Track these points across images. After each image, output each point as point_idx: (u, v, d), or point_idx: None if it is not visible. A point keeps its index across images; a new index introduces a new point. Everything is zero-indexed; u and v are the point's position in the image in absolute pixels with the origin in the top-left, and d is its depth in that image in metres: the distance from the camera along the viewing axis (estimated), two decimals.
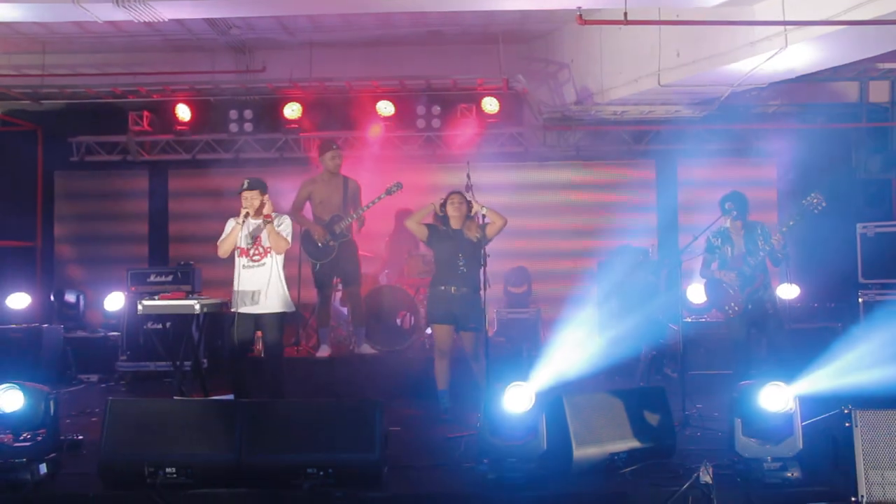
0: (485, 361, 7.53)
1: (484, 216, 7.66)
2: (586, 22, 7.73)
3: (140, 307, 7.87)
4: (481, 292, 7.58)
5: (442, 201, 7.80)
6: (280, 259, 7.69)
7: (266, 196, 7.67)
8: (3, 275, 11.60)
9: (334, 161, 9.44)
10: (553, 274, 11.72)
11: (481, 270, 7.54)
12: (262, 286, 7.60)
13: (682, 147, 12.15)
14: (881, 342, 6.45)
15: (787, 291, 10.33)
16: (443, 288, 7.73)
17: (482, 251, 7.57)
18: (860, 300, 9.70)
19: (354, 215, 9.24)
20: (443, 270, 7.82)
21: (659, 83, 9.85)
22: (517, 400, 5.59)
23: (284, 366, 8.01)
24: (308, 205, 9.46)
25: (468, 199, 7.77)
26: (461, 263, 7.66)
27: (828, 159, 11.24)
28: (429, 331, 9.07)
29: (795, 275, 10.32)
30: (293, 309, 7.97)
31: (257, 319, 7.67)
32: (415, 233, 8.00)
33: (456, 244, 7.73)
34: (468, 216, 7.77)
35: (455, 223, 7.79)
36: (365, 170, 10.68)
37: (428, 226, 7.85)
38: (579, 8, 7.66)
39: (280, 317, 7.74)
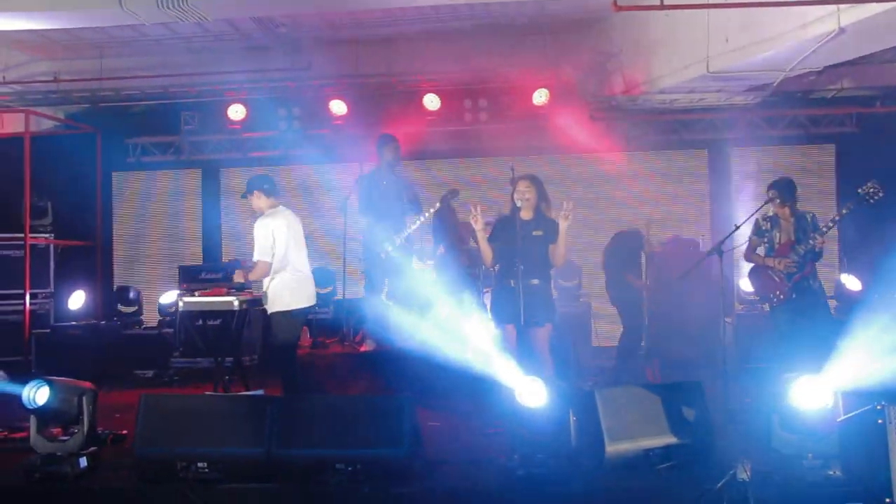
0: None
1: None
2: (621, 8, 7.51)
3: (181, 304, 7.91)
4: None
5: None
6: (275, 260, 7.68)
7: (251, 196, 7.79)
8: (65, 273, 11.73)
9: (395, 154, 9.36)
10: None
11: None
12: (266, 287, 7.72)
13: (734, 135, 11.94)
14: None
15: (850, 282, 10.04)
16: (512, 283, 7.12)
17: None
18: None
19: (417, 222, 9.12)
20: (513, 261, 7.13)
21: (708, 70, 9.63)
22: (537, 396, 5.47)
23: (290, 363, 7.88)
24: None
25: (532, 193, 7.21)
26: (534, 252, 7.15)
27: (890, 145, 10.85)
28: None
29: (855, 266, 10.02)
30: (289, 308, 7.73)
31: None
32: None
33: (523, 236, 7.10)
34: (538, 203, 7.26)
35: (525, 213, 7.24)
36: (412, 165, 10.62)
37: (489, 239, 7.47)
38: None
39: (275, 317, 7.71)
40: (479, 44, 11.43)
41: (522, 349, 7.13)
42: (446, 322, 8.60)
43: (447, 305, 8.90)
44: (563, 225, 7.07)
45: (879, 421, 4.05)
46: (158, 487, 5.67)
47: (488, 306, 8.26)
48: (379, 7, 9.90)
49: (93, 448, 5.92)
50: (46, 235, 11.43)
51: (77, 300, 11.52)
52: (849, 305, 9.32)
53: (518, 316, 6.98)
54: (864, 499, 4.31)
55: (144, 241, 13.16)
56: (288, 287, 7.71)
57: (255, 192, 7.74)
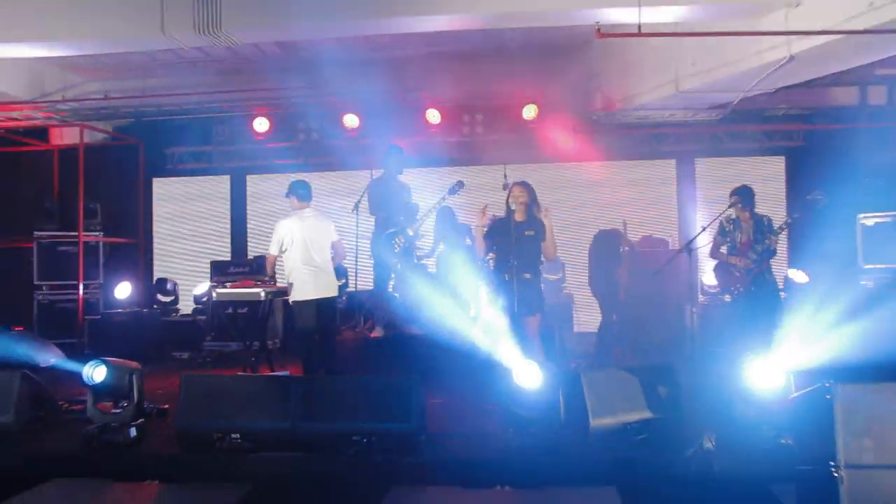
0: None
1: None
2: (604, 35, 7.53)
3: (215, 294, 7.95)
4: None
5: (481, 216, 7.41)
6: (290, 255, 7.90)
7: (289, 197, 8.12)
8: (112, 267, 11.80)
9: (400, 162, 9.41)
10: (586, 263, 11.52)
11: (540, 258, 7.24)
12: (288, 279, 7.98)
13: (699, 147, 11.97)
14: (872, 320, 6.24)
15: (798, 276, 10.07)
16: (506, 277, 7.14)
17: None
18: (862, 283, 9.38)
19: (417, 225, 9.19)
20: (508, 257, 7.15)
21: (677, 89, 9.67)
22: (532, 378, 5.51)
23: (303, 347, 8.09)
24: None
25: (525, 197, 7.22)
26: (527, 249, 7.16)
27: (832, 157, 10.91)
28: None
29: (803, 261, 10.07)
30: (305, 298, 7.92)
31: None
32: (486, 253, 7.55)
33: (516, 236, 7.13)
34: (530, 206, 7.24)
35: (518, 215, 7.20)
36: (416, 172, 10.64)
37: (485, 236, 7.49)
38: (597, 23, 7.47)
39: (295, 305, 7.99)
40: (477, 65, 11.43)
41: (515, 336, 7.17)
42: (449, 311, 8.63)
43: (449, 296, 8.95)
44: (546, 222, 7.13)
45: (828, 397, 4.09)
46: (197, 455, 5.72)
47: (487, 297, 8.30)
48: (387, 32, 9.91)
49: (140, 420, 5.98)
50: (97, 234, 11.51)
51: (123, 290, 11.56)
52: (796, 296, 9.37)
53: (512, 306, 7.03)
54: (811, 463, 4.35)
55: (180, 238, 13.20)
56: (304, 280, 7.80)
57: (290, 195, 8.07)
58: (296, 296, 7.85)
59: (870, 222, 9.52)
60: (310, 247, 7.86)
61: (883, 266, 9.31)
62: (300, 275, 7.82)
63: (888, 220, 9.44)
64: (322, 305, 7.94)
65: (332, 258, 8.07)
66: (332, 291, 8.02)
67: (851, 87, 11.40)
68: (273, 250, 7.93)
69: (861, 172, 10.21)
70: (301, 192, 8.06)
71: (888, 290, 8.30)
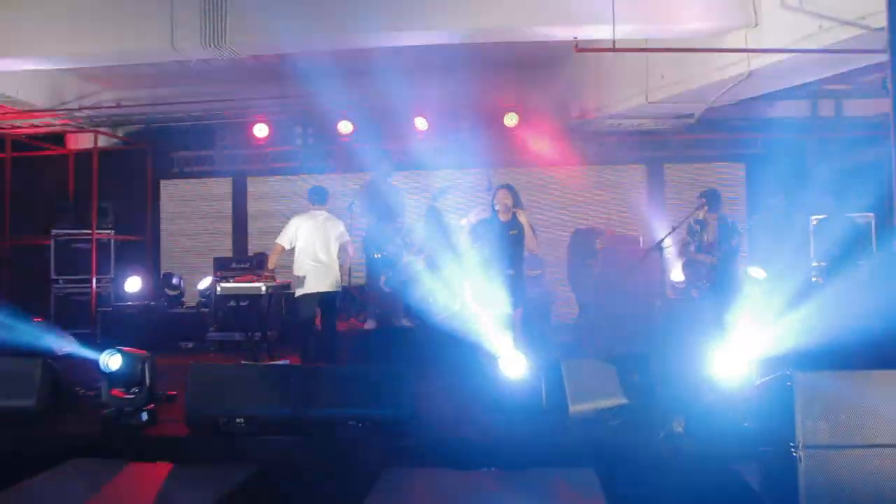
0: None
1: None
2: (582, 49, 7.57)
3: (219, 288, 7.92)
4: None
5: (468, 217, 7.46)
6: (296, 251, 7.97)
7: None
8: (122, 263, 11.77)
9: (391, 166, 9.50)
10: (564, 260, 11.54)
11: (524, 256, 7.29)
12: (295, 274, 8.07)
13: (667, 154, 12.01)
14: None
15: (756, 272, 10.13)
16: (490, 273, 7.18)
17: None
18: (813, 279, 9.48)
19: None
20: (492, 256, 7.22)
21: (647, 100, 9.70)
22: (518, 367, 5.53)
23: (303, 338, 8.15)
24: None
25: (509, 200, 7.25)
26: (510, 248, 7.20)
27: (787, 164, 10.99)
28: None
29: (762, 259, 10.13)
30: (306, 292, 7.98)
31: None
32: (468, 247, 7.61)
33: (501, 235, 7.19)
34: (515, 209, 7.24)
35: (503, 216, 7.22)
36: (405, 175, 10.63)
37: (469, 231, 7.51)
38: (575, 38, 7.50)
39: (298, 298, 8.08)
40: (462, 75, 11.41)
41: (500, 327, 7.21)
42: (436, 305, 8.65)
43: (437, 291, 8.96)
44: (522, 220, 7.17)
45: (788, 384, 4.14)
46: (205, 438, 5.71)
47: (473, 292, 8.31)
48: (376, 46, 9.90)
49: (151, 405, 5.96)
50: (109, 232, 11.52)
51: (133, 284, 11.52)
52: (756, 291, 9.44)
53: (497, 300, 7.09)
54: (772, 444, 4.39)
55: (185, 236, 13.13)
56: (309, 275, 7.81)
57: (308, 198, 8.25)
58: (300, 289, 7.86)
59: (820, 224, 9.62)
60: (317, 245, 7.89)
61: (832, 263, 9.41)
62: (306, 270, 7.84)
63: (838, 221, 9.54)
64: (324, 300, 7.93)
65: (342, 259, 8.07)
66: (334, 287, 7.99)
67: (804, 101, 11.50)
68: (281, 240, 7.97)
69: (813, 178, 10.32)
70: (312, 196, 8.25)
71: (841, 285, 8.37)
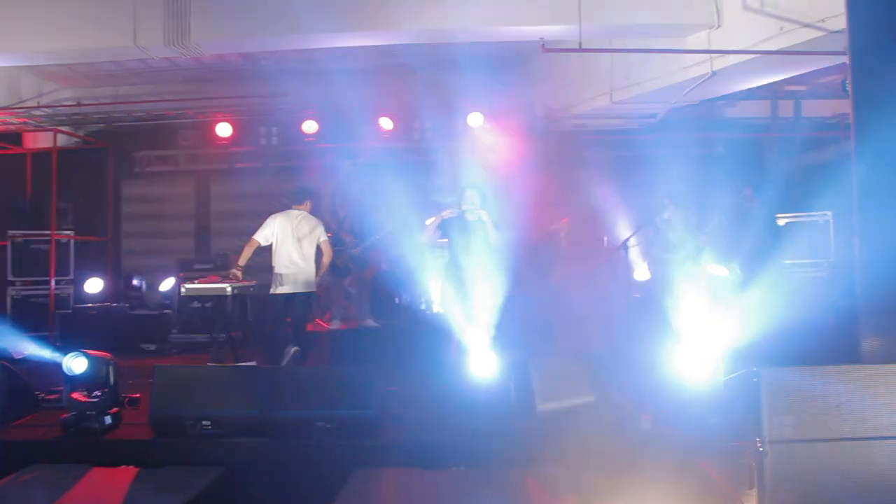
0: None
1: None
2: (548, 50, 7.62)
3: (183, 289, 7.82)
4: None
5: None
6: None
7: None
8: (82, 264, 11.57)
9: (356, 166, 9.46)
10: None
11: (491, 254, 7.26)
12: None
13: (630, 153, 12.09)
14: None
15: (718, 270, 10.23)
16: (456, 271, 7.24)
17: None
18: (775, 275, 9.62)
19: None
20: (460, 255, 7.28)
21: (611, 101, 9.78)
22: (488, 366, 5.54)
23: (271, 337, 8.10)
24: None
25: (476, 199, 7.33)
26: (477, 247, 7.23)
27: (748, 163, 11.15)
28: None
29: (727, 256, 10.26)
30: (274, 292, 7.91)
31: None
32: (432, 240, 7.65)
33: (468, 235, 7.24)
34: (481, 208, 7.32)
35: (470, 215, 7.29)
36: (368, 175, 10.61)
37: (440, 226, 7.52)
38: (541, 38, 7.54)
39: (270, 297, 8.00)
40: (427, 75, 11.41)
41: (468, 326, 7.21)
42: (403, 304, 8.64)
43: (403, 291, 8.96)
44: (486, 218, 7.22)
45: (754, 380, 4.19)
46: (170, 441, 5.63)
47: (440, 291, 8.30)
48: (342, 46, 9.85)
49: (115, 408, 5.87)
50: (68, 232, 11.35)
51: (94, 285, 11.35)
52: (720, 289, 9.54)
53: (464, 299, 7.08)
54: (739, 439, 4.46)
55: (147, 237, 12.96)
56: (281, 274, 7.76)
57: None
58: (272, 288, 7.79)
59: (782, 222, 9.76)
60: (290, 244, 7.78)
61: (794, 261, 9.57)
62: (279, 269, 7.77)
63: (798, 220, 9.71)
64: (296, 300, 7.85)
65: (321, 258, 7.97)
66: (306, 288, 7.88)
67: (764, 101, 11.67)
68: (257, 236, 7.84)
69: (773, 177, 10.48)
70: (293, 195, 8.12)
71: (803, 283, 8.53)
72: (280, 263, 7.77)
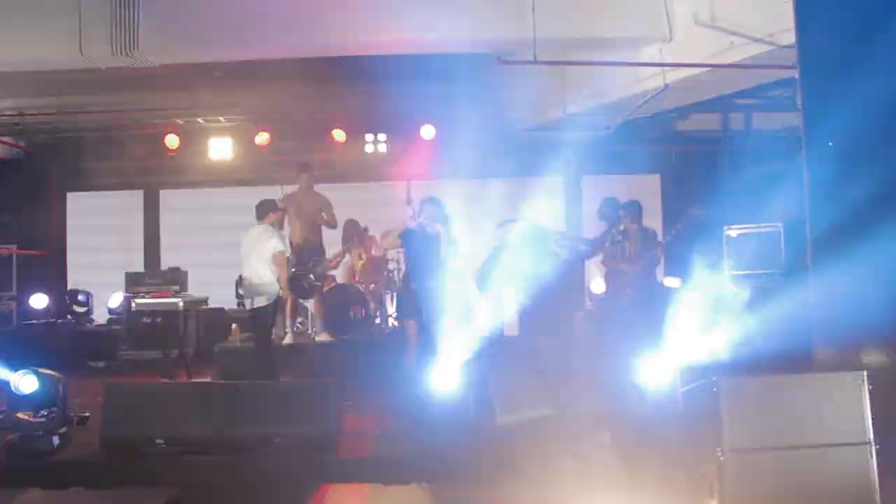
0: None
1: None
2: (503, 62, 7.67)
3: (134, 304, 7.69)
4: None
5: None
6: None
7: None
8: (25, 279, 11.30)
9: (311, 178, 9.31)
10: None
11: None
12: None
13: (585, 165, 12.16)
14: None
15: (671, 282, 10.37)
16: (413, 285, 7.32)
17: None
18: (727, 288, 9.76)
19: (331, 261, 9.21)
20: (417, 267, 7.40)
21: (565, 112, 9.86)
22: (448, 380, 5.53)
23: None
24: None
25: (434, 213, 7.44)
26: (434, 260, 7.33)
27: (700, 175, 11.34)
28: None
29: (677, 269, 10.41)
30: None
31: None
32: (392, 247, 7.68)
33: (424, 247, 7.34)
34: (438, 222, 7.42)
35: (426, 229, 7.37)
36: (325, 187, 10.49)
37: (401, 234, 7.52)
38: (496, 51, 7.60)
39: None
40: (381, 86, 11.34)
41: (423, 340, 7.20)
42: (358, 318, 8.59)
43: (358, 304, 8.90)
44: (444, 232, 7.27)
45: (714, 389, 4.26)
46: (123, 461, 5.53)
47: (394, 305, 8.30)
48: (292, 56, 9.79)
49: (64, 428, 5.74)
50: (10, 246, 11.07)
51: (38, 301, 11.02)
52: (673, 300, 9.67)
53: (419, 312, 7.07)
54: (698, 448, 4.51)
55: (93, 251, 12.58)
56: (243, 289, 7.72)
57: None
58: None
59: (734, 233, 9.92)
60: (251, 260, 7.74)
61: (745, 272, 9.72)
62: (243, 287, 7.75)
63: (749, 231, 9.87)
64: (253, 316, 7.77)
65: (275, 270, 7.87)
66: (259, 303, 7.78)
67: (716, 114, 11.88)
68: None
69: (724, 189, 10.68)
70: (257, 211, 8.08)
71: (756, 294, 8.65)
72: (244, 280, 7.75)
